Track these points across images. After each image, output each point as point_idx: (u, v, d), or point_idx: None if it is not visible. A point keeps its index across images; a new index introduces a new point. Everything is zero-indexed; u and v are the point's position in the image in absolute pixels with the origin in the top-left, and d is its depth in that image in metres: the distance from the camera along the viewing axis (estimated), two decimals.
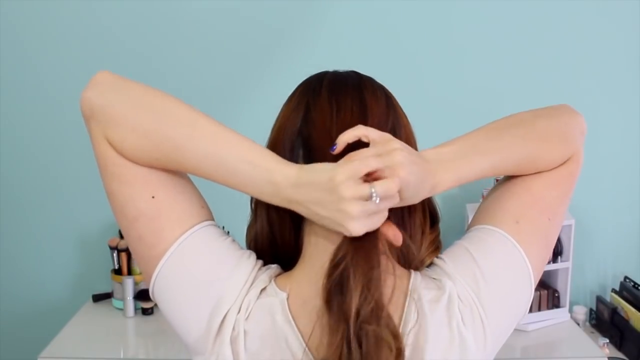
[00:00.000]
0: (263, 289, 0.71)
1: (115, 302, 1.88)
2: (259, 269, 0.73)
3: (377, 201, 0.64)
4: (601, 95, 1.96)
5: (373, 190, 0.63)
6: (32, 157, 2.00)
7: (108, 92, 0.70)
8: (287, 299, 0.70)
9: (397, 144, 0.67)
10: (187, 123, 0.69)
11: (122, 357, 1.66)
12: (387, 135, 0.68)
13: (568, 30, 1.93)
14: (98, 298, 1.93)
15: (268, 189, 0.68)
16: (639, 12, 1.91)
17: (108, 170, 0.71)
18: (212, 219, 0.76)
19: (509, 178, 0.81)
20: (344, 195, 0.63)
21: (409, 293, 0.71)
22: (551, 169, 0.79)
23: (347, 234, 0.65)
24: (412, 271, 0.74)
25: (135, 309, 1.84)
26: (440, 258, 0.76)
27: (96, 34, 1.93)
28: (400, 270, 0.73)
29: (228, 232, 1.96)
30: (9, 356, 2.07)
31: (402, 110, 0.78)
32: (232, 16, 1.92)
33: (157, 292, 0.72)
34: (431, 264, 0.76)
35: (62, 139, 1.97)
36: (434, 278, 0.73)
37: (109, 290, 1.92)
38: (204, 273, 0.71)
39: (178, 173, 0.74)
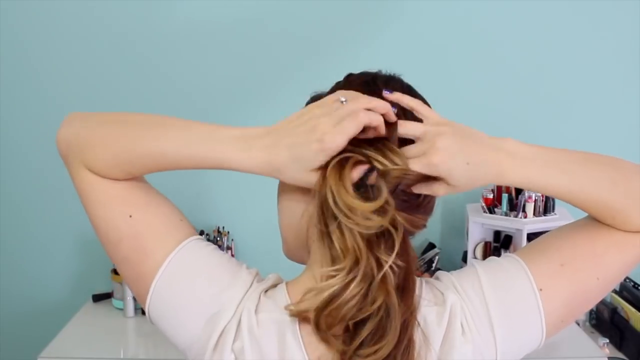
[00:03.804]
0: (273, 301, 0.70)
1: (115, 302, 1.89)
2: (259, 280, 0.73)
3: (344, 101, 0.65)
4: (602, 96, 1.96)
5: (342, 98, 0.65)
6: (32, 156, 2.00)
7: (77, 122, 0.75)
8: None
9: (448, 128, 0.65)
10: (147, 120, 0.73)
11: (122, 357, 1.66)
12: (440, 118, 0.67)
13: (577, 32, 1.93)
14: (98, 298, 1.93)
15: (239, 144, 0.67)
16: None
17: (88, 197, 0.74)
18: (194, 231, 0.75)
19: (582, 222, 0.77)
20: (315, 112, 0.65)
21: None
22: (624, 232, 0.74)
23: (322, 155, 0.64)
24: (417, 280, 0.72)
25: (135, 309, 1.84)
26: (452, 274, 0.74)
27: (98, 34, 1.93)
28: None
29: (225, 234, 1.93)
30: (9, 356, 2.07)
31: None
32: (238, 18, 1.92)
33: (153, 312, 0.73)
34: (437, 277, 0.75)
35: None
36: (437, 289, 0.72)
37: (109, 290, 1.93)
38: (198, 290, 0.70)
39: (152, 191, 0.76)
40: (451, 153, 0.64)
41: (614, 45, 1.94)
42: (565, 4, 1.90)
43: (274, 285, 0.74)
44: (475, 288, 0.71)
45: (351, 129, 0.64)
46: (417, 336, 0.68)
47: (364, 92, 0.69)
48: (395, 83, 0.75)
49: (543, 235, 0.79)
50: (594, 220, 0.76)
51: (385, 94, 0.68)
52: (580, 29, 1.93)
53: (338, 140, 0.63)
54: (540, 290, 0.71)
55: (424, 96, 0.75)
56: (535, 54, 1.93)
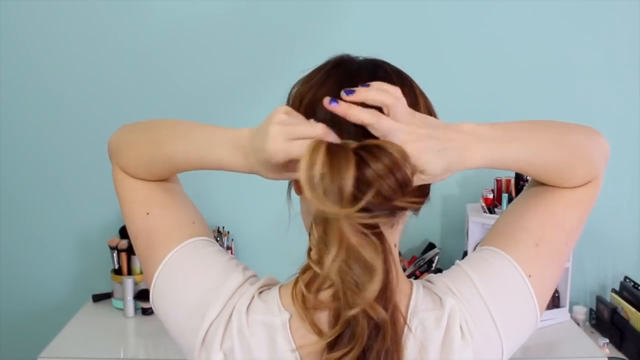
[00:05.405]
0: (265, 303, 0.70)
1: (115, 302, 1.89)
2: (253, 282, 0.73)
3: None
4: (601, 96, 1.96)
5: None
6: (32, 156, 2.00)
7: (120, 130, 0.84)
8: (290, 319, 0.68)
9: (415, 127, 0.62)
10: (168, 125, 0.80)
11: (122, 357, 1.66)
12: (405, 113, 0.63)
13: (568, 30, 1.93)
14: (98, 298, 1.93)
15: (231, 147, 0.69)
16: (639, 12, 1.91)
17: (119, 196, 0.81)
18: (205, 234, 0.78)
19: (529, 196, 0.79)
20: (272, 119, 0.63)
21: (408, 316, 0.69)
22: (573, 188, 0.77)
23: (269, 166, 0.64)
24: (414, 284, 0.73)
25: (135, 309, 1.84)
26: (443, 276, 0.74)
27: (98, 33, 1.93)
28: (403, 284, 0.71)
29: (225, 234, 1.92)
30: (9, 356, 2.07)
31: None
32: (237, 15, 1.92)
33: (154, 301, 0.76)
34: (431, 281, 0.75)
35: (62, 138, 1.97)
36: (435, 294, 0.71)
37: (109, 290, 1.93)
38: (189, 286, 0.72)
39: (176, 192, 0.82)
40: (424, 143, 0.62)
41: (613, 44, 1.94)
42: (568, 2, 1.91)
43: (269, 286, 0.74)
44: (471, 289, 0.71)
45: (296, 151, 0.62)
46: (410, 342, 0.67)
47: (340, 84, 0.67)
48: (380, 71, 0.72)
49: (500, 218, 0.81)
50: (543, 187, 0.78)
51: (344, 95, 0.64)
52: (580, 27, 1.93)
53: (280, 157, 0.62)
54: (530, 276, 0.73)
55: (415, 79, 0.74)
56: (537, 50, 1.94)
